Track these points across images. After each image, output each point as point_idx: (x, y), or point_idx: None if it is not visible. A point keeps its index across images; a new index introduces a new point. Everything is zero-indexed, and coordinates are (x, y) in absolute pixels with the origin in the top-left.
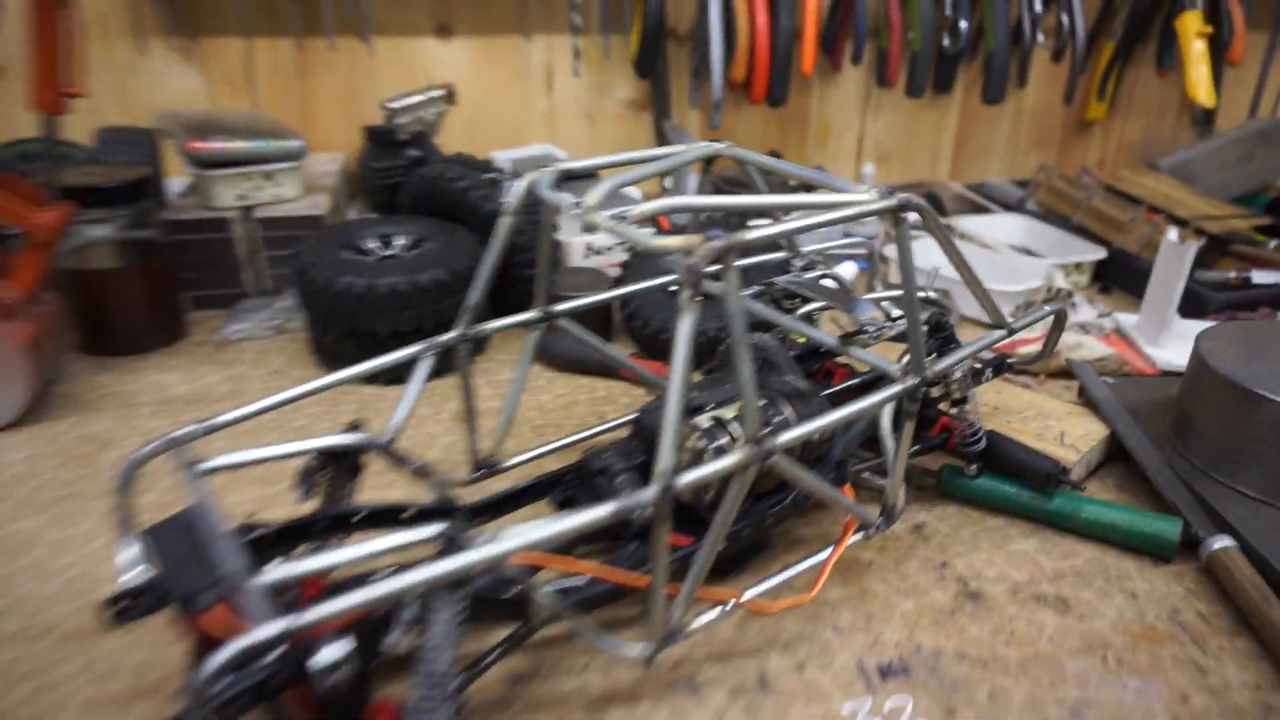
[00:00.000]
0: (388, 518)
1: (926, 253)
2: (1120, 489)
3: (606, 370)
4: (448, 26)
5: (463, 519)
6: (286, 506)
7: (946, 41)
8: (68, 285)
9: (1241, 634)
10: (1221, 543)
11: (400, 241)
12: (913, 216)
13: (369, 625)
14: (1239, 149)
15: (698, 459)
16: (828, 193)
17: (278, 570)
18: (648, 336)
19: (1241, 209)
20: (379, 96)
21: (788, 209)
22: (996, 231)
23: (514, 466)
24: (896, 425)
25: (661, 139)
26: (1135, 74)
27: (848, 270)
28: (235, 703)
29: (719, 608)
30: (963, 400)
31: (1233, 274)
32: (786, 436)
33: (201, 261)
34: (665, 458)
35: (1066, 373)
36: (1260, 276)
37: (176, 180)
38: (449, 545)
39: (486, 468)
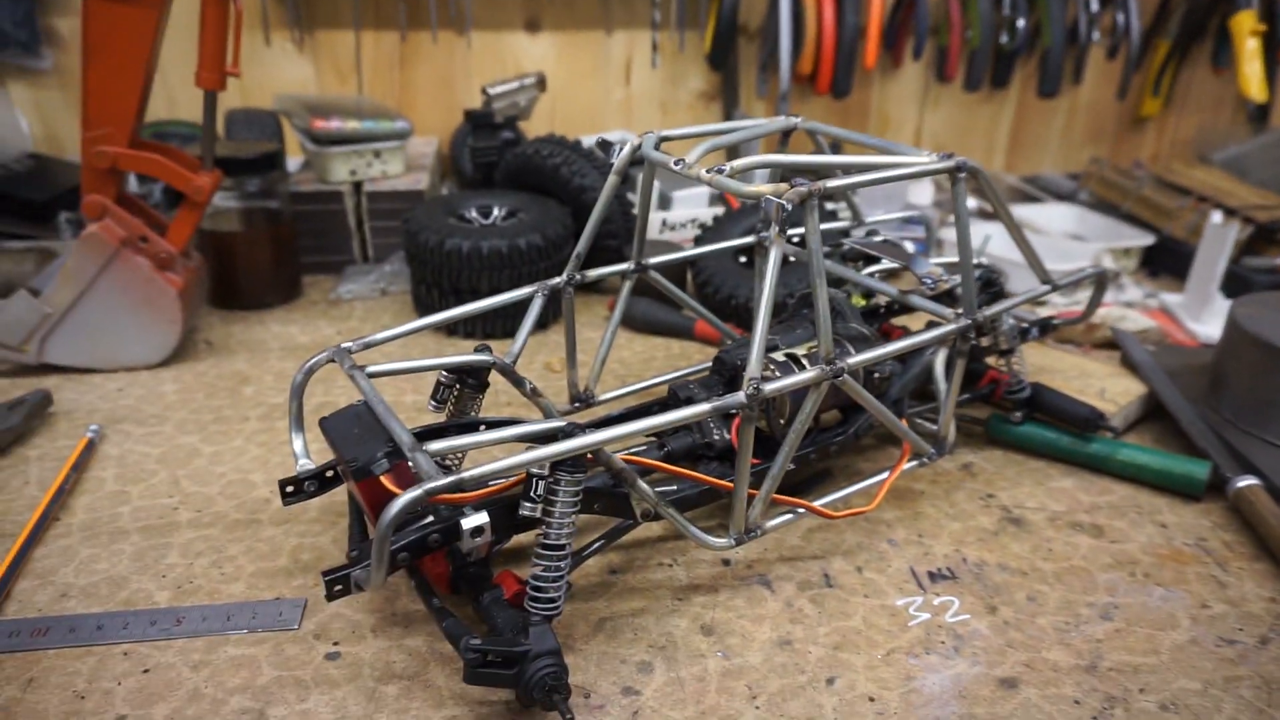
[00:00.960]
0: (506, 428)
1: (978, 239)
2: (1157, 441)
3: (680, 331)
4: (536, 21)
5: (572, 433)
6: (410, 419)
7: (1005, 38)
8: (204, 245)
9: (1262, 559)
10: (1247, 481)
11: (497, 212)
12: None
13: (501, 504)
14: None
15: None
16: (895, 156)
17: (440, 442)
18: (719, 302)
19: None
20: (472, 85)
21: (862, 168)
22: (1048, 221)
23: (606, 401)
24: (949, 368)
25: None
26: (1191, 72)
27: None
28: (399, 555)
29: (790, 513)
30: (1009, 351)
31: (1279, 261)
32: (855, 359)
33: (316, 230)
34: (754, 366)
35: (1111, 344)
36: None
37: (292, 160)
38: (568, 434)
39: (582, 400)
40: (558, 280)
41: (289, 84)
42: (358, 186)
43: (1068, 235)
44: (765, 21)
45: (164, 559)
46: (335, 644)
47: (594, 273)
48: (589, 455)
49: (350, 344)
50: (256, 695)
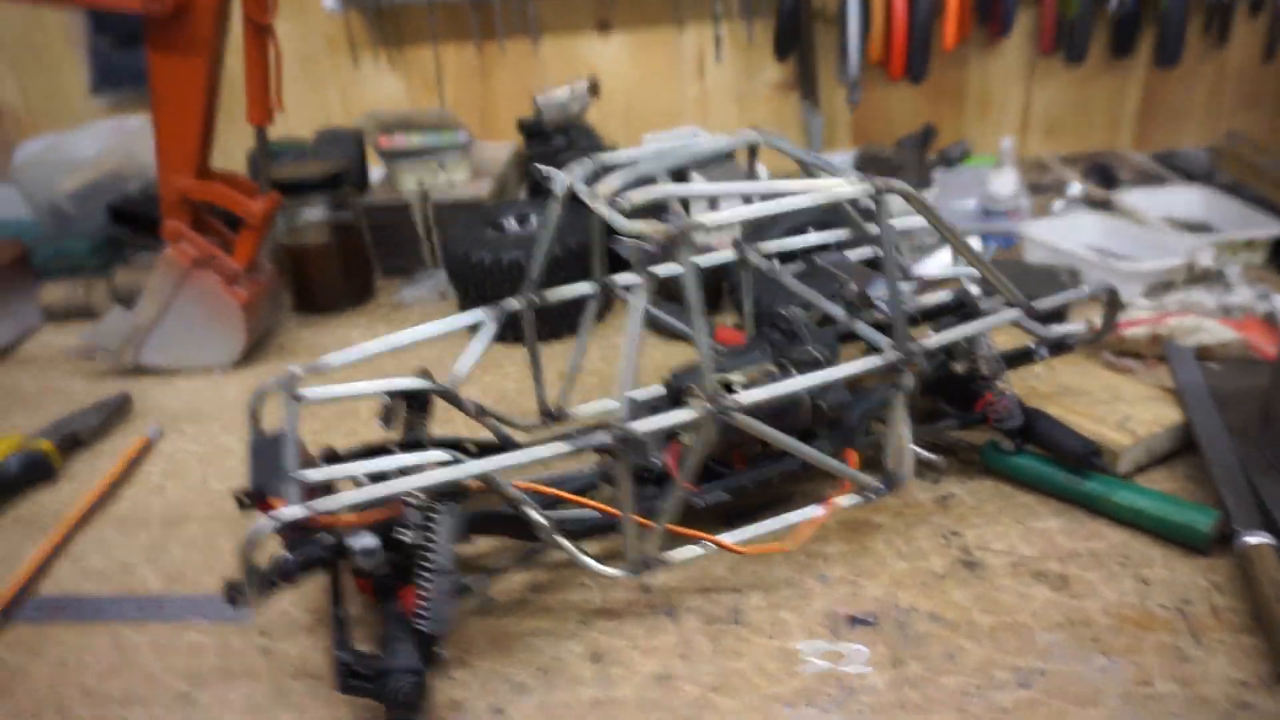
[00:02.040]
0: (454, 449)
1: (1073, 230)
2: (1188, 480)
3: (672, 328)
4: (607, 22)
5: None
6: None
7: (1113, 3)
8: (284, 257)
9: (1250, 632)
10: (1257, 538)
11: (534, 221)
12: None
13: (389, 526)
14: None
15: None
16: (823, 176)
17: (316, 472)
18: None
19: None
20: (546, 89)
21: (766, 195)
22: (1171, 206)
23: (577, 417)
24: (897, 401)
25: (807, 117)
26: None
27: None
28: (292, 571)
29: (696, 546)
30: (991, 377)
31: None
32: (744, 398)
33: (390, 238)
34: (622, 408)
35: None
36: None
37: (376, 169)
38: (444, 464)
39: (550, 416)
40: (512, 302)
41: (382, 100)
42: (425, 196)
43: (1191, 223)
44: (839, 4)
45: (168, 550)
46: (271, 639)
47: (554, 293)
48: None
49: (298, 369)
50: (194, 681)
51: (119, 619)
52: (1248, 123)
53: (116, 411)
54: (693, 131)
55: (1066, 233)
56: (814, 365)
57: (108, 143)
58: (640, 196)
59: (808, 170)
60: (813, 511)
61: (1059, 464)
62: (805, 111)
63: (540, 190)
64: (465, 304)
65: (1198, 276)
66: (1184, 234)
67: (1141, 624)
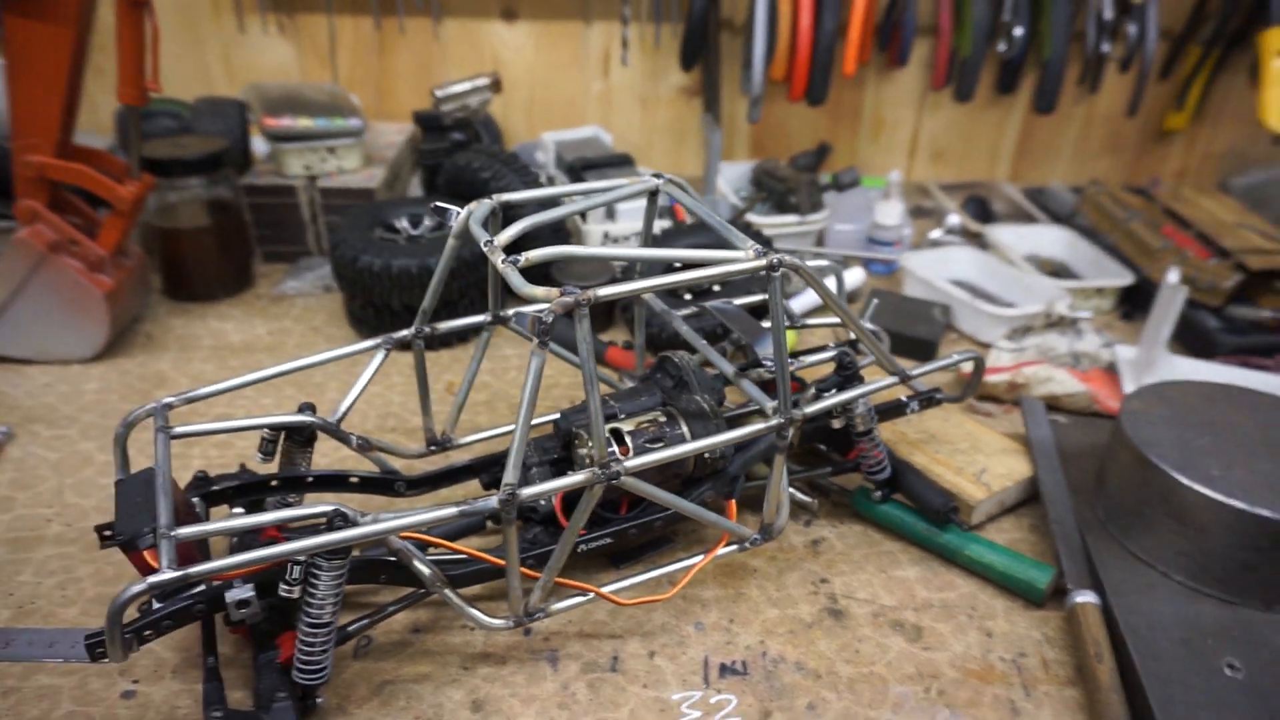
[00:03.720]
0: (337, 481)
1: (947, 263)
2: (1032, 530)
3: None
4: (513, 10)
5: (400, 489)
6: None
7: (1002, 46)
8: (155, 239)
9: (1074, 685)
10: (1084, 597)
11: (428, 222)
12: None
13: (272, 577)
14: None
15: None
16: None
17: (190, 528)
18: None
19: None
20: (450, 73)
21: (667, 263)
22: (1038, 244)
23: (465, 444)
24: (774, 458)
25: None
26: (1228, 82)
27: (855, 276)
28: (163, 623)
29: (580, 597)
30: (866, 433)
31: (1267, 313)
32: (634, 462)
33: (273, 221)
34: (510, 473)
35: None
36: None
37: (260, 143)
38: (331, 523)
39: (437, 444)
40: (404, 333)
41: (270, 68)
42: (312, 181)
43: (1054, 263)
44: (747, 17)
45: (18, 575)
46: (135, 681)
47: (446, 325)
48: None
49: (172, 399)
50: None
51: None
52: (1111, 165)
53: None
54: (594, 131)
55: (941, 266)
56: (700, 415)
57: None
58: (538, 256)
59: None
60: (691, 561)
61: (920, 515)
62: (704, 124)
63: (435, 186)
64: (351, 307)
65: (1054, 322)
66: (1045, 278)
67: (983, 677)
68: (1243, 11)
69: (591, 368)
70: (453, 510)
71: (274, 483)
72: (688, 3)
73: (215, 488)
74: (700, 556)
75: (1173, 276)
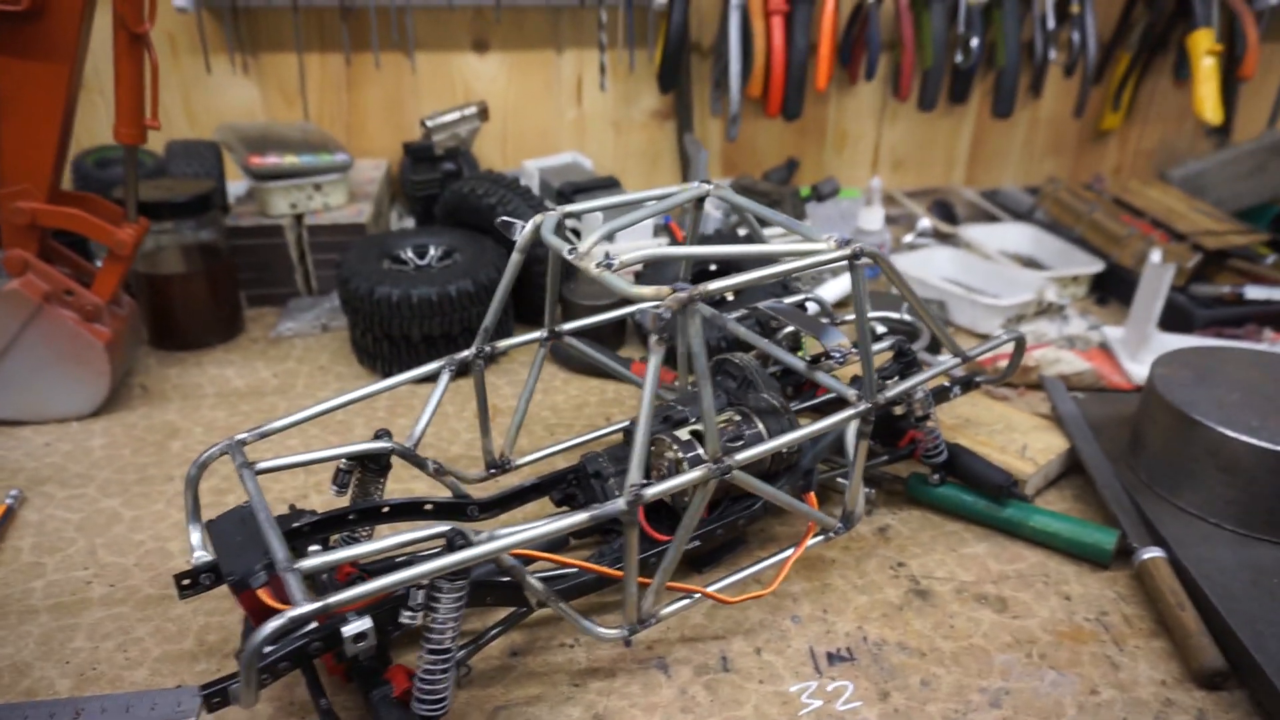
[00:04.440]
0: (411, 510)
1: (930, 263)
2: (1076, 500)
3: (617, 373)
4: (485, 42)
5: (473, 513)
6: (326, 494)
7: (959, 57)
8: (140, 287)
9: (1159, 636)
10: (1151, 553)
11: (433, 252)
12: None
13: (386, 606)
14: (1252, 160)
15: (675, 469)
16: (795, 237)
17: (314, 560)
18: None
19: (1244, 225)
20: (421, 107)
21: (756, 260)
22: (1004, 241)
23: (523, 465)
24: (856, 443)
25: (682, 151)
26: (1154, 83)
27: (843, 284)
28: (280, 664)
29: (687, 598)
30: (924, 418)
31: (1227, 289)
32: (742, 456)
33: (258, 264)
34: (634, 474)
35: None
36: (1254, 292)
37: (235, 184)
38: (451, 543)
39: (497, 467)
40: (466, 354)
41: (234, 109)
42: (299, 219)
43: (1023, 258)
44: (717, 40)
45: (70, 642)
46: None
47: (505, 343)
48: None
49: (245, 435)
50: None
51: None
52: (1055, 165)
53: None
54: (573, 157)
55: (926, 266)
56: (772, 412)
57: None
58: (632, 259)
59: (754, 226)
60: (784, 554)
61: (979, 493)
62: (689, 144)
63: (430, 218)
64: (364, 341)
65: (1044, 310)
66: (1025, 270)
67: (1075, 637)
68: (1164, 18)
69: (704, 363)
70: (584, 516)
71: (351, 515)
72: (661, 28)
73: (295, 524)
74: (790, 550)
75: (1155, 256)
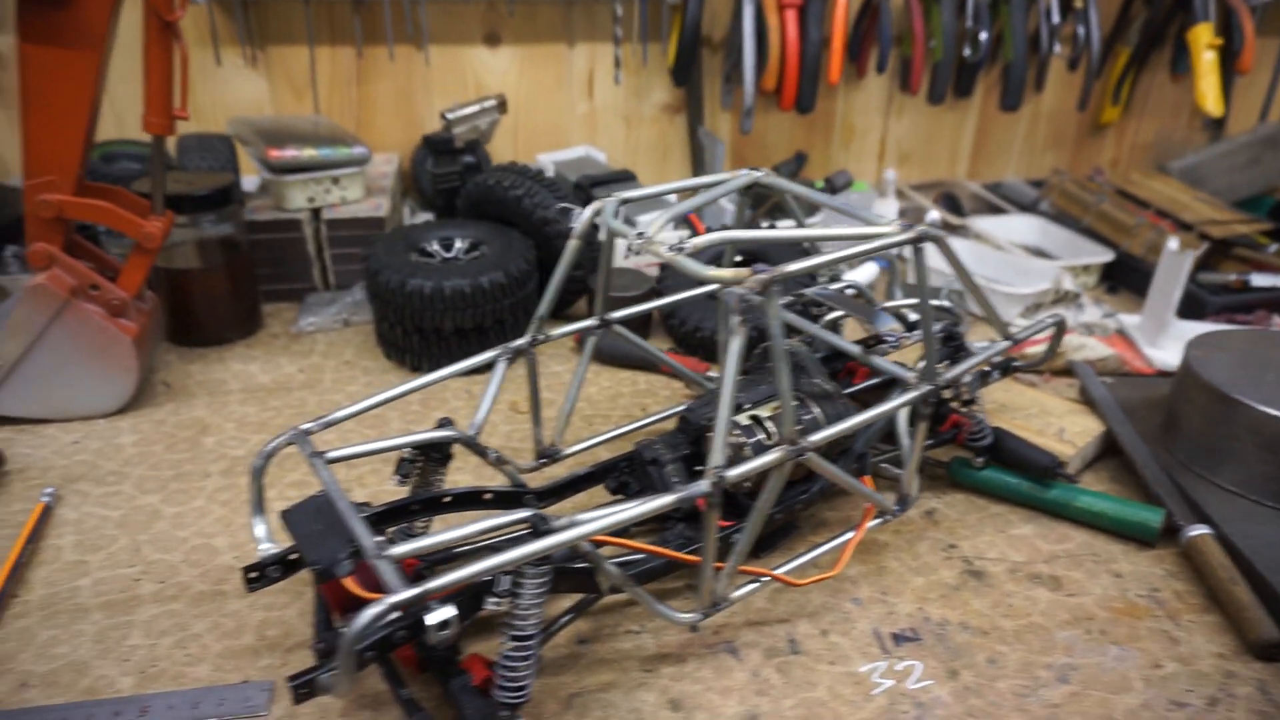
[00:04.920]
0: (471, 500)
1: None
2: (1113, 481)
3: (647, 365)
4: (496, 35)
5: (531, 502)
6: (370, 486)
7: (967, 51)
8: (159, 282)
9: (1211, 610)
10: (1198, 530)
11: (459, 245)
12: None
13: (467, 594)
14: (1248, 153)
15: (737, 454)
16: (856, 223)
17: (406, 546)
18: (685, 334)
19: (1245, 214)
20: (432, 101)
21: (824, 242)
22: (1011, 232)
23: (571, 455)
24: (912, 423)
25: (695, 144)
26: (1150, 78)
27: (868, 271)
28: (366, 654)
29: (756, 582)
30: (971, 401)
31: (1233, 277)
32: (817, 436)
33: (275, 259)
34: (717, 456)
35: (1070, 372)
36: (1259, 280)
37: (249, 179)
38: (535, 528)
39: (547, 456)
40: (521, 341)
41: (242, 103)
42: (316, 213)
43: (1030, 249)
44: (729, 33)
45: (126, 640)
46: None
47: (558, 332)
48: None
49: (310, 424)
50: None
51: None
52: (1056, 158)
53: None
54: (586, 151)
55: (938, 257)
56: (825, 396)
57: None
58: (703, 242)
59: (795, 211)
60: (846, 536)
61: (1022, 475)
62: (703, 137)
63: (450, 211)
64: (392, 335)
65: (1060, 298)
66: (1038, 260)
67: (1131, 614)
68: (1163, 13)
69: (782, 345)
70: (670, 498)
71: (415, 506)
72: (676, 21)
73: (363, 515)
74: (851, 533)
75: (1173, 244)
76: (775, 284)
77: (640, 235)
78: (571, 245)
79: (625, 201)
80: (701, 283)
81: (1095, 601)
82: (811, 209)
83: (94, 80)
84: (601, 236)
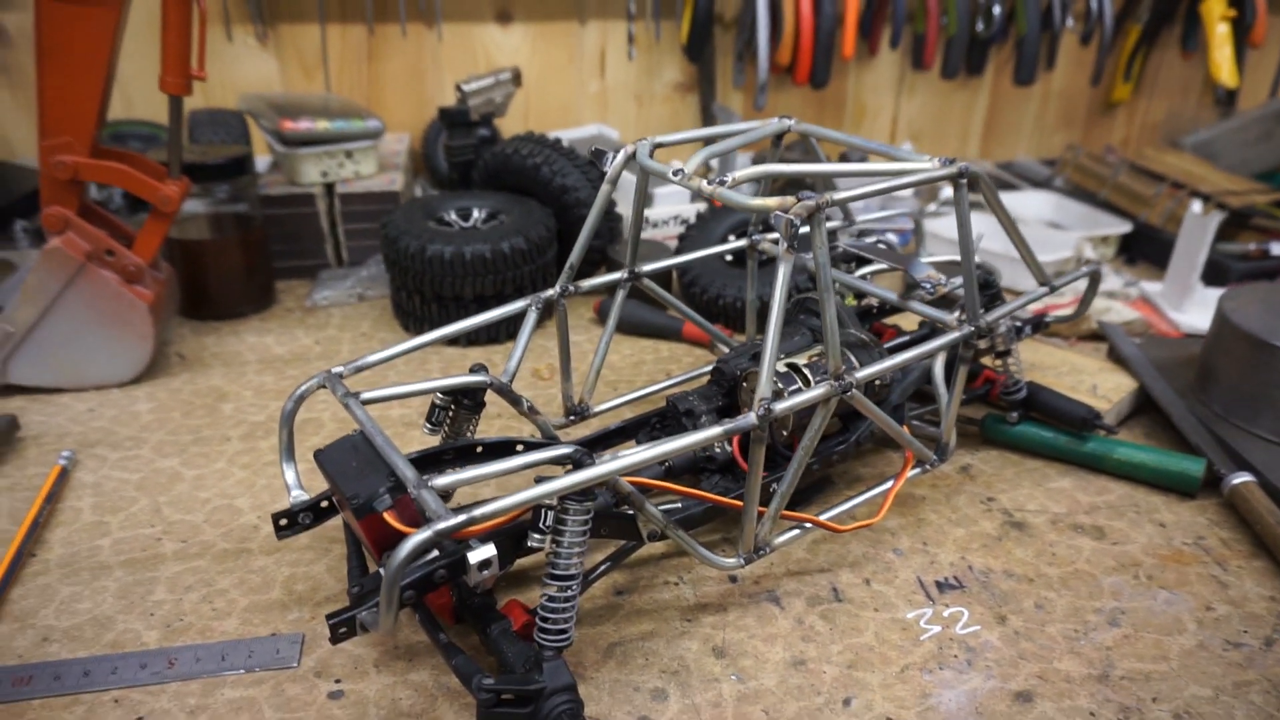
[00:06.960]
0: (504, 450)
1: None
2: (1148, 436)
3: (667, 333)
4: (508, 12)
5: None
6: (400, 440)
7: (980, 26)
8: (173, 254)
9: (1259, 556)
10: (1242, 478)
11: (477, 214)
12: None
13: (508, 537)
14: (1260, 127)
15: (776, 399)
16: (895, 162)
17: (447, 477)
18: (706, 301)
19: (1261, 184)
20: (443, 79)
21: (866, 176)
22: (1025, 208)
23: (602, 412)
24: (949, 372)
25: (709, 120)
26: (1160, 56)
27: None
28: (405, 593)
29: (798, 528)
30: (1006, 353)
31: (1253, 246)
32: (864, 373)
33: (287, 234)
34: (764, 387)
35: (1095, 336)
36: (1278, 248)
37: (261, 159)
38: (578, 464)
39: (576, 414)
40: (551, 292)
41: (252, 81)
42: (329, 188)
43: (1046, 223)
44: (741, 11)
45: (151, 595)
46: (338, 681)
47: (588, 283)
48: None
49: (341, 368)
50: None
51: (121, 684)
52: (1066, 137)
53: (2, 437)
54: (598, 129)
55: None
56: (861, 345)
57: None
58: (744, 175)
59: (820, 157)
60: (886, 485)
61: (1059, 429)
62: (718, 112)
63: (466, 183)
64: (409, 304)
65: (1081, 266)
66: (1057, 232)
67: (1178, 560)
68: None
69: (828, 275)
70: (717, 430)
71: (448, 455)
72: (690, 1)
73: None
74: (890, 482)
75: (1196, 207)
76: (821, 210)
77: (678, 171)
78: (603, 189)
79: (659, 145)
80: (744, 217)
81: (1140, 549)
82: (829, 185)
83: (111, 38)
84: (628, 191)
